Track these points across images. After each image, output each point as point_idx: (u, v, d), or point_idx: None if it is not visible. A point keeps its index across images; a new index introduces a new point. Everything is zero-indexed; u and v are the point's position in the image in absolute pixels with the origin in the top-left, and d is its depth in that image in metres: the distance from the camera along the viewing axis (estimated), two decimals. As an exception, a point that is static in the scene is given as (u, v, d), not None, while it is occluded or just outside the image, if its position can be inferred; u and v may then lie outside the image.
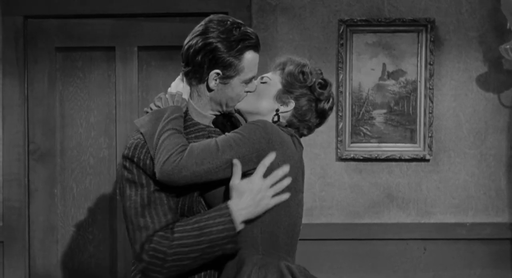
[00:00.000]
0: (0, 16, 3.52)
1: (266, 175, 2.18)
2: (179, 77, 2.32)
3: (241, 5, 3.46)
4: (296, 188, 2.29)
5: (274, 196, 2.19)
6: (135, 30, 3.55)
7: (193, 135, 2.27)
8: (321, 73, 2.38)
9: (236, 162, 2.14)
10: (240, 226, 2.15)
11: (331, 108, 2.38)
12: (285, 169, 2.20)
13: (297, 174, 2.30)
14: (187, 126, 2.28)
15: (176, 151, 2.11)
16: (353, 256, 3.50)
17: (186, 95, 2.28)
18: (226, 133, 2.21)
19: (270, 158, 2.18)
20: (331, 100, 2.37)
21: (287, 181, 2.20)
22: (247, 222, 2.18)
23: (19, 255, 3.54)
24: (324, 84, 2.35)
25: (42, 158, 3.58)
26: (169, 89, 2.31)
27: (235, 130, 2.20)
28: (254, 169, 2.17)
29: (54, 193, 3.59)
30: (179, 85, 2.30)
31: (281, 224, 2.24)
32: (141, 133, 2.20)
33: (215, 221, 2.12)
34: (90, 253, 3.62)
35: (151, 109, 2.28)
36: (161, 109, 2.22)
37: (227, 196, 2.20)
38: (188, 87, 2.28)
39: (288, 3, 3.48)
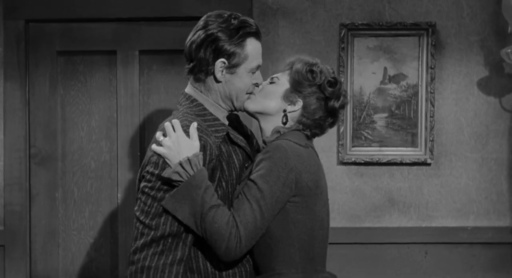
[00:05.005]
0: (2, 20, 3.53)
1: (298, 193, 2.21)
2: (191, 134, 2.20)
3: (242, 9, 3.46)
4: (324, 197, 2.29)
5: None
6: (136, 34, 3.55)
7: (213, 129, 2.26)
8: (333, 72, 2.36)
9: None
10: None
11: (342, 107, 2.36)
12: None
13: (323, 183, 2.31)
14: (208, 120, 2.27)
15: (230, 234, 2.09)
16: (355, 260, 3.50)
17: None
18: (246, 186, 2.18)
19: None
20: (341, 98, 2.34)
21: None
22: (283, 241, 2.20)
23: (21, 259, 3.53)
24: (334, 82, 2.32)
25: (43, 162, 3.58)
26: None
27: (255, 176, 2.17)
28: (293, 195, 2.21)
29: (56, 196, 3.59)
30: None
31: (316, 238, 2.25)
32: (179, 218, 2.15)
33: None
34: (91, 257, 3.61)
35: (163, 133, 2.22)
36: (186, 183, 2.11)
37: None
38: (197, 142, 2.17)
39: (289, 7, 3.49)
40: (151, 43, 3.54)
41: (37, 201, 3.59)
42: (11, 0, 3.51)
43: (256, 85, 2.34)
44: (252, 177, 2.17)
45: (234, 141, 2.31)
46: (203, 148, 2.16)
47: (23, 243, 3.54)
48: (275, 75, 2.38)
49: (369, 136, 3.49)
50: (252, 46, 2.28)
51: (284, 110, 2.32)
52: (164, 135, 2.18)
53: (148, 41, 3.54)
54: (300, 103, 2.31)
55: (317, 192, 2.24)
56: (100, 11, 3.51)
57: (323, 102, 2.32)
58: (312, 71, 2.31)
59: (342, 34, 3.45)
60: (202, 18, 2.29)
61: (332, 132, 3.47)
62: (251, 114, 2.37)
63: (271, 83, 2.35)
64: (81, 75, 3.61)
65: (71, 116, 3.61)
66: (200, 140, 2.16)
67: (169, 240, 2.14)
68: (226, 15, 2.27)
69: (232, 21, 2.25)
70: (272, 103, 2.32)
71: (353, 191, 3.50)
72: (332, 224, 3.47)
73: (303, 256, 2.21)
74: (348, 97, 3.39)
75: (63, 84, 3.61)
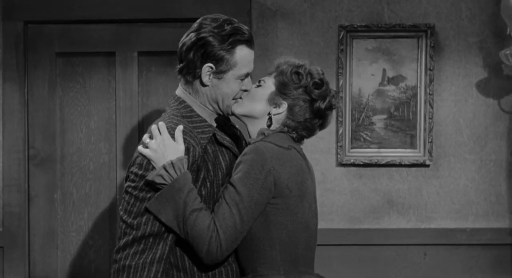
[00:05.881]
0: (1, 21, 3.52)
1: (278, 195, 2.19)
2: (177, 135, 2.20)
3: (241, 10, 3.47)
4: (309, 200, 2.28)
5: None
6: (135, 36, 3.55)
7: (199, 130, 2.27)
8: (322, 73, 2.34)
9: None
10: None
11: (329, 108, 2.33)
12: None
13: (308, 185, 2.29)
14: (194, 121, 2.28)
15: (210, 238, 2.10)
16: (353, 262, 3.50)
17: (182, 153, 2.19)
18: (226, 189, 2.18)
19: None
20: (328, 99, 2.31)
21: None
22: (264, 243, 2.20)
23: (19, 260, 3.53)
24: (320, 84, 2.31)
25: (42, 163, 3.58)
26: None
27: (233, 179, 2.17)
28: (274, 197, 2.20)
29: (54, 198, 3.59)
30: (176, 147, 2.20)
31: (299, 240, 2.24)
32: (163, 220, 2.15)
33: None
34: (90, 259, 3.61)
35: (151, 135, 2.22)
36: (170, 186, 2.12)
37: None
38: (182, 146, 2.19)
39: (288, 8, 3.49)
40: (150, 44, 3.54)
41: (35, 202, 3.59)
42: (10, 1, 3.51)
43: (245, 91, 2.34)
44: (231, 179, 2.19)
45: (221, 141, 2.31)
46: (186, 150, 2.18)
47: (22, 244, 3.54)
48: (262, 79, 2.38)
49: (368, 138, 3.49)
50: (242, 54, 2.27)
51: (269, 113, 2.31)
52: (151, 137, 2.20)
53: (147, 43, 3.55)
54: (284, 106, 2.30)
55: (299, 194, 2.23)
56: (99, 13, 3.51)
57: (309, 104, 2.30)
58: (297, 73, 2.30)
59: (341, 36, 3.46)
60: (198, 20, 2.30)
61: (331, 133, 3.47)
62: (239, 118, 2.37)
63: (258, 86, 2.35)
64: (80, 76, 3.61)
65: (70, 118, 3.61)
66: (183, 142, 2.18)
67: (151, 240, 2.16)
68: (221, 20, 2.26)
69: (225, 26, 2.24)
70: (258, 106, 2.32)
71: (352, 192, 3.50)
72: (331, 225, 3.50)
73: (285, 258, 2.21)
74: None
75: (62, 85, 3.61)
